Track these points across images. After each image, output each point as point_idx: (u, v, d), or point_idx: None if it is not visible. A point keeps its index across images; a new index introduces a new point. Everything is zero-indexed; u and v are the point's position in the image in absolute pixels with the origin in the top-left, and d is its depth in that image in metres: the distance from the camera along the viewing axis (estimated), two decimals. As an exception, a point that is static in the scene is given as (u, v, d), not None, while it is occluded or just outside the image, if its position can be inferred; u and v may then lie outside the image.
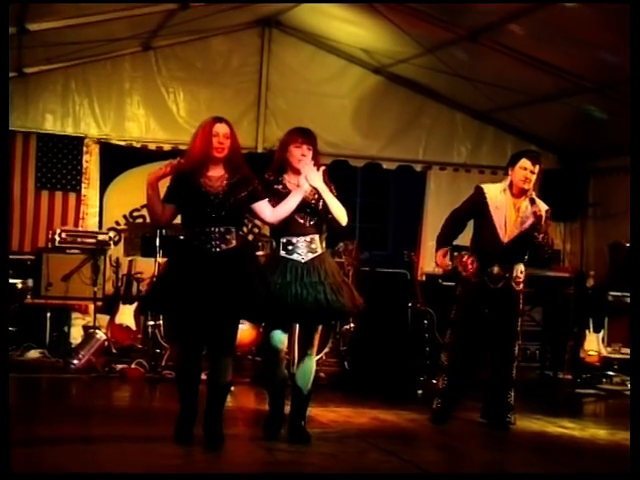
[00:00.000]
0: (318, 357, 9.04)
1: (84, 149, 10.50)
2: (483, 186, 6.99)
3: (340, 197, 6.06)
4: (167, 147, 10.71)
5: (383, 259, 11.91)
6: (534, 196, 6.78)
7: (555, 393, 8.99)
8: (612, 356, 9.73)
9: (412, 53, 10.19)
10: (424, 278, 10.32)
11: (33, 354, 9.49)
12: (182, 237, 6.34)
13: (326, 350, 9.24)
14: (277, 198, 5.86)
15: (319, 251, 6.00)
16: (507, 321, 6.90)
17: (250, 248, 6.17)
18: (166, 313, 6.56)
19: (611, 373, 9.69)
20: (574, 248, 11.56)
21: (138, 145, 10.72)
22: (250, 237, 10.66)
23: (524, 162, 6.81)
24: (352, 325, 9.37)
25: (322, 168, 5.95)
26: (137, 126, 10.72)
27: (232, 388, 7.55)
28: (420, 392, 7.76)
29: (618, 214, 10.98)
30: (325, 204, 5.95)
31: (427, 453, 6.12)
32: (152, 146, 10.73)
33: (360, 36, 10.29)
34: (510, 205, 6.83)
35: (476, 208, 6.90)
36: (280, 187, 5.96)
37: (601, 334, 9.68)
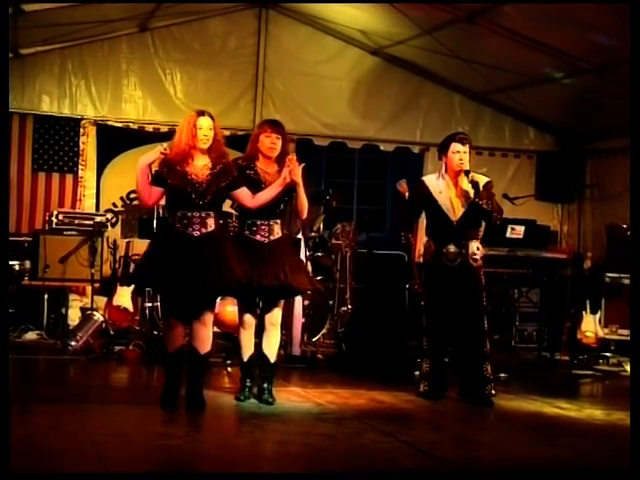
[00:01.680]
0: (316, 338, 9.11)
1: (81, 130, 10.47)
2: (423, 178, 7.44)
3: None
4: (164, 129, 10.68)
5: (380, 241, 11.90)
6: (472, 173, 7.08)
7: (552, 374, 9.02)
8: (609, 337, 9.76)
9: (410, 34, 10.16)
10: (421, 260, 10.31)
11: (31, 336, 9.51)
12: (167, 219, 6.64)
13: (323, 332, 9.27)
14: (248, 183, 6.44)
15: (280, 234, 6.63)
16: (471, 297, 7.14)
17: (227, 231, 6.67)
18: (151, 286, 7.12)
19: (608, 354, 9.71)
20: (571, 229, 11.58)
21: (135, 126, 10.69)
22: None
23: (455, 146, 7.11)
24: (349, 307, 9.39)
25: (302, 165, 6.50)
26: (134, 107, 10.68)
27: (229, 369, 7.62)
28: (417, 373, 7.76)
29: (615, 195, 10.98)
30: (293, 196, 6.59)
31: (424, 434, 6.14)
32: (149, 128, 10.70)
33: (358, 17, 10.26)
34: (451, 187, 7.14)
35: (423, 200, 7.22)
36: (252, 173, 6.56)
37: (598, 315, 9.69)
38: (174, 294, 6.27)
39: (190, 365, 6.35)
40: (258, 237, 6.57)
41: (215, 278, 6.14)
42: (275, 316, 6.75)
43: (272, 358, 6.76)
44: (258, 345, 6.82)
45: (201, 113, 6.28)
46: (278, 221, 6.63)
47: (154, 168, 6.32)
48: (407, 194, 7.23)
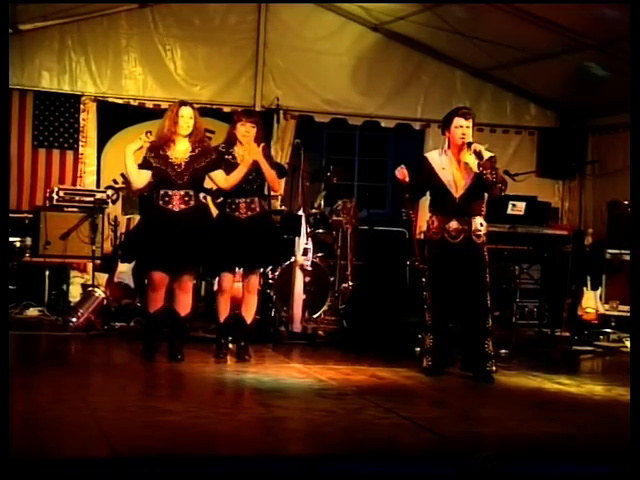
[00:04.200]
0: (317, 315, 9.12)
1: (81, 107, 10.46)
2: (426, 155, 7.47)
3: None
4: (164, 105, 10.58)
5: (382, 218, 11.91)
6: (475, 144, 7.04)
7: (553, 350, 9.03)
8: (609, 313, 9.77)
9: (411, 10, 10.13)
10: (422, 236, 10.31)
11: (32, 312, 9.53)
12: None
13: (324, 308, 9.27)
14: (226, 166, 7.28)
15: (257, 210, 7.40)
16: (475, 273, 7.12)
17: (205, 207, 7.42)
18: (137, 258, 7.78)
19: (608, 330, 9.72)
20: (572, 206, 11.58)
21: (135, 103, 10.68)
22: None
23: (457, 121, 7.11)
24: (350, 283, 9.39)
25: (262, 145, 7.36)
26: (134, 84, 10.66)
27: (231, 346, 7.66)
28: (418, 349, 7.78)
29: (616, 172, 10.97)
30: (262, 173, 7.36)
31: (425, 410, 6.15)
32: (149, 104, 10.69)
33: (358, -7, 10.23)
34: (454, 162, 7.14)
35: (427, 178, 7.20)
36: (230, 157, 7.37)
37: (599, 291, 9.71)
38: (154, 262, 7.13)
39: (171, 325, 7.30)
40: (237, 214, 7.36)
41: (191, 248, 7.03)
42: (252, 283, 7.56)
43: (248, 320, 7.54)
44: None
45: (183, 103, 7.20)
46: (255, 198, 7.40)
47: (141, 154, 7.15)
48: (407, 179, 7.19)
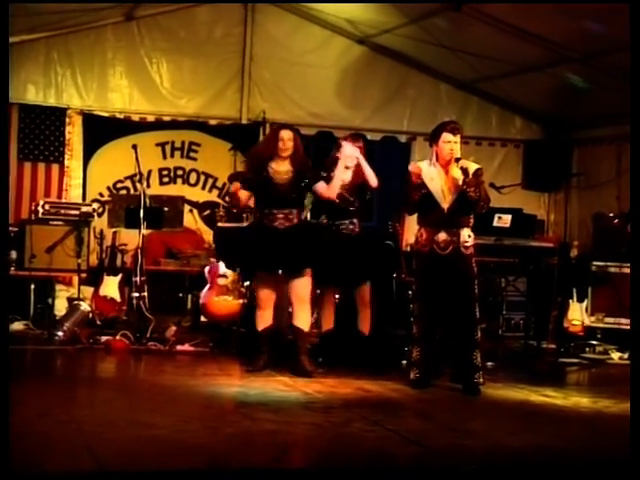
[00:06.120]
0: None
1: (67, 120, 10.45)
2: (417, 164, 7.37)
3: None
4: (151, 118, 10.69)
5: (368, 230, 11.88)
6: (463, 160, 7.10)
7: (539, 362, 9.03)
8: (595, 325, 9.80)
9: (396, 23, 10.16)
10: (408, 249, 10.31)
11: (17, 326, 9.47)
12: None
13: (312, 320, 9.25)
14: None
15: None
16: (463, 285, 7.14)
17: (310, 224, 8.03)
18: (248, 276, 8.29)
19: (594, 342, 9.74)
20: (558, 218, 11.61)
21: (121, 116, 10.68)
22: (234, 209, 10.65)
23: (446, 136, 7.12)
24: (337, 295, 9.38)
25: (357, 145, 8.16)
26: (120, 97, 10.66)
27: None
28: (404, 362, 7.78)
29: (601, 184, 11.03)
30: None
31: (411, 422, 6.15)
32: (135, 117, 10.69)
33: (344, 6, 10.25)
34: (442, 174, 7.14)
35: (421, 188, 7.15)
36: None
37: (584, 304, 9.73)
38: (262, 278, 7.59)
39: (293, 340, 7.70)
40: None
41: (299, 262, 7.47)
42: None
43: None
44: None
45: (283, 126, 7.68)
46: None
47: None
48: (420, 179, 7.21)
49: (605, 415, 6.50)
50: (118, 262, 9.65)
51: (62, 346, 8.46)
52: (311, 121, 11.24)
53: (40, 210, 9.78)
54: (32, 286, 9.70)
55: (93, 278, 9.61)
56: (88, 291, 9.59)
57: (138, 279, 8.93)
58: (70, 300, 9.52)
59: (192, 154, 11.09)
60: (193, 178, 11.07)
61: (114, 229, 9.69)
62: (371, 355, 8.19)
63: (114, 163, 10.59)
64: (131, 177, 10.48)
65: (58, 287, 10.01)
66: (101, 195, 10.63)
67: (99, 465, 4.42)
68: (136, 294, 8.96)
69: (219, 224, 9.14)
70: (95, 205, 10.28)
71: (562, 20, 8.68)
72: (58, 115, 10.43)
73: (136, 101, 10.69)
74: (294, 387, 7.03)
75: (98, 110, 10.57)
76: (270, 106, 11.03)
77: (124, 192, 10.53)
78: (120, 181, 10.70)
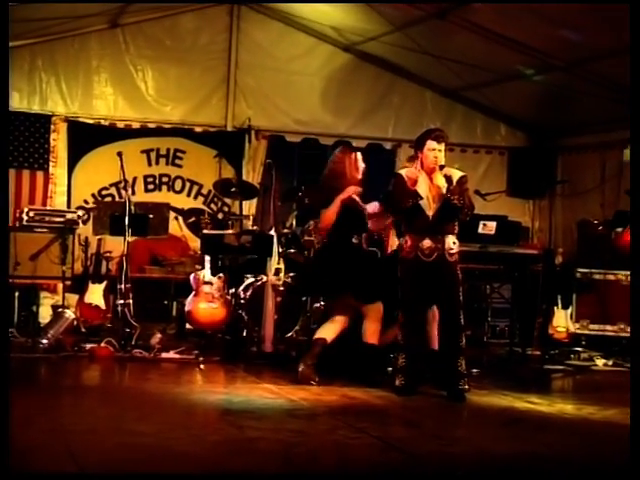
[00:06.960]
0: (288, 335, 9.06)
1: (51, 127, 10.43)
2: (401, 172, 7.39)
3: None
4: (136, 125, 10.67)
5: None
6: (447, 168, 7.14)
7: (524, 369, 9.03)
8: (580, 332, 9.81)
9: (382, 31, 10.18)
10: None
11: (1, 334, 9.43)
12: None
13: (296, 328, 9.24)
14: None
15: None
16: (448, 292, 7.17)
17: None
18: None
19: (579, 349, 9.75)
20: (542, 225, 11.64)
21: (106, 123, 10.66)
22: (220, 215, 10.66)
23: (430, 144, 7.15)
24: (322, 303, 9.37)
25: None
26: (105, 104, 10.65)
27: (202, 366, 7.62)
28: (389, 369, 7.78)
29: (586, 191, 11.07)
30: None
31: (396, 430, 6.15)
32: (120, 124, 10.68)
33: (329, 14, 10.27)
34: (427, 181, 7.15)
35: (415, 196, 7.12)
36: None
37: (569, 310, 9.75)
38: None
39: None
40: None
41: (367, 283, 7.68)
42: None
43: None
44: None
45: (353, 149, 8.02)
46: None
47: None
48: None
49: (590, 422, 6.51)
50: (103, 269, 9.61)
51: (46, 354, 8.42)
52: (296, 128, 11.25)
53: (24, 217, 9.72)
54: (16, 293, 9.64)
55: (78, 285, 9.57)
56: (73, 298, 9.55)
57: (123, 286, 8.91)
58: (55, 308, 9.49)
59: (177, 161, 11.07)
60: (178, 185, 11.05)
61: (99, 236, 9.65)
62: (356, 363, 8.19)
63: (99, 170, 10.57)
64: (116, 184, 10.46)
65: (43, 294, 9.97)
66: (86, 202, 10.60)
67: (82, 472, 4.40)
68: (121, 301, 8.93)
69: (204, 231, 9.11)
70: (80, 212, 10.22)
71: (546, 28, 8.72)
72: (43, 122, 10.40)
73: (121, 108, 10.68)
74: (279, 394, 7.02)
75: (83, 117, 10.56)
76: (255, 113, 11.04)
77: (109, 199, 10.51)
78: (105, 188, 10.67)
